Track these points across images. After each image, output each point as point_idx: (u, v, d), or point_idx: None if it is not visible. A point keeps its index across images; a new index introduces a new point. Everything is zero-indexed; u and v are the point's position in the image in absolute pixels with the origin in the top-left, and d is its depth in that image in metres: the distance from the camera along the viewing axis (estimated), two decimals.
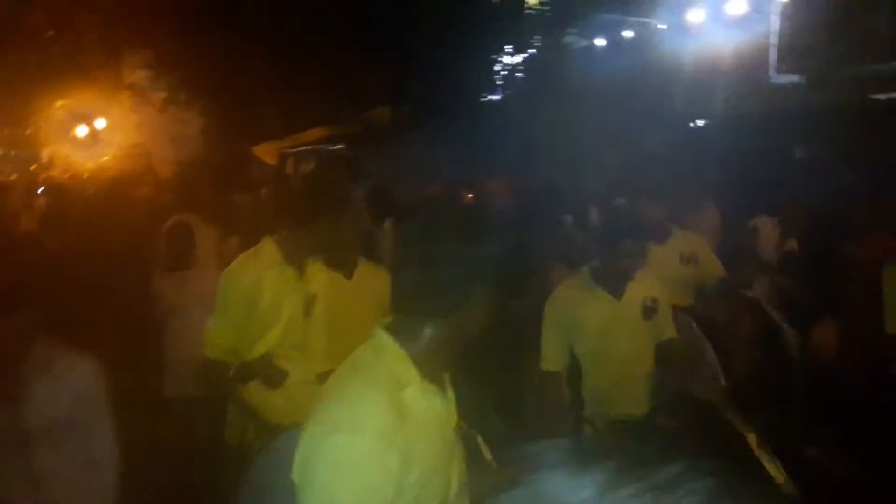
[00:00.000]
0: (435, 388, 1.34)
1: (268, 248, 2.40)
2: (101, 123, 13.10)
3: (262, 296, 2.34)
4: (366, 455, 1.22)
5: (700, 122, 8.69)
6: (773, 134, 7.26)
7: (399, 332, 1.34)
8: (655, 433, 2.63)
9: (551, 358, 2.90)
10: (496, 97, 9.64)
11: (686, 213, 4.83)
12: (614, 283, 2.91)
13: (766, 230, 5.08)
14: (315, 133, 10.06)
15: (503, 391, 3.14)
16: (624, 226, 2.94)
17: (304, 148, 9.29)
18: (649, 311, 2.94)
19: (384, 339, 1.34)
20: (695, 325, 3.63)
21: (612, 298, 2.91)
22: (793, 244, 4.91)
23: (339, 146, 9.70)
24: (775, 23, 10.53)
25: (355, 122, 9.93)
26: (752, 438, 2.39)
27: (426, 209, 3.74)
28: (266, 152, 9.18)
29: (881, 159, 5.58)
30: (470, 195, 5.60)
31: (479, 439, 2.25)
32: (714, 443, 2.46)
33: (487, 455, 2.00)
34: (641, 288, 2.95)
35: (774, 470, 2.31)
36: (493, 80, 9.38)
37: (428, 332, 1.33)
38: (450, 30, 8.24)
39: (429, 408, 1.31)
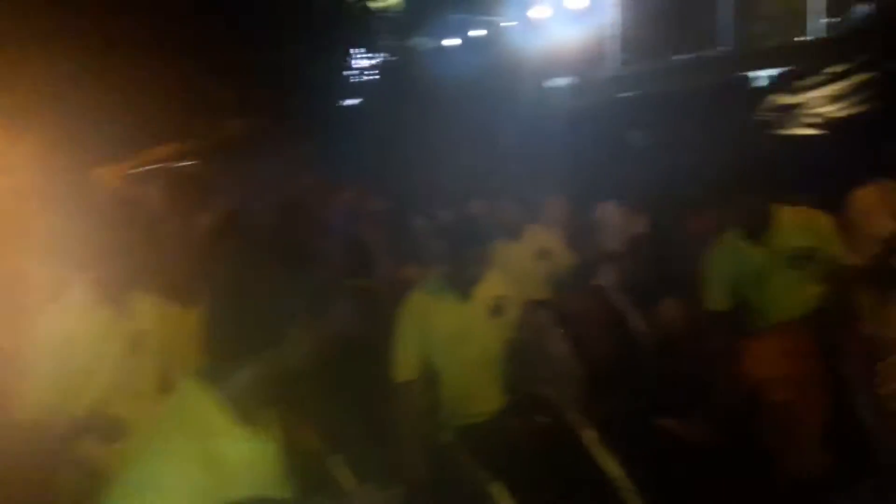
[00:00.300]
0: (252, 431, 1.29)
1: (78, 292, 2.26)
2: None
3: (77, 345, 2.19)
4: None
5: (550, 117, 9.01)
6: (618, 123, 7.63)
7: (209, 377, 1.27)
8: (503, 435, 2.69)
9: (404, 367, 2.89)
10: (352, 102, 9.59)
11: (538, 208, 5.01)
12: (462, 286, 2.95)
13: (613, 217, 5.33)
14: (164, 150, 9.62)
15: (362, 409, 3.13)
16: (468, 233, 2.98)
17: (152, 167, 8.88)
18: (498, 309, 3.00)
19: (191, 388, 1.27)
20: (546, 318, 3.76)
21: (461, 301, 2.95)
22: (638, 229, 5.19)
23: (190, 162, 9.34)
24: (616, 15, 11.10)
25: (207, 137, 9.60)
26: (588, 436, 2.47)
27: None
28: (109, 175, 8.66)
29: (714, 141, 6.00)
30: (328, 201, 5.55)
31: (339, 466, 2.22)
32: (554, 443, 2.54)
33: (348, 483, 1.98)
34: (489, 287, 3.01)
35: (611, 466, 2.41)
36: (348, 86, 9.31)
37: (241, 374, 1.27)
38: (300, 37, 8.11)
39: (243, 454, 1.26)
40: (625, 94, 8.50)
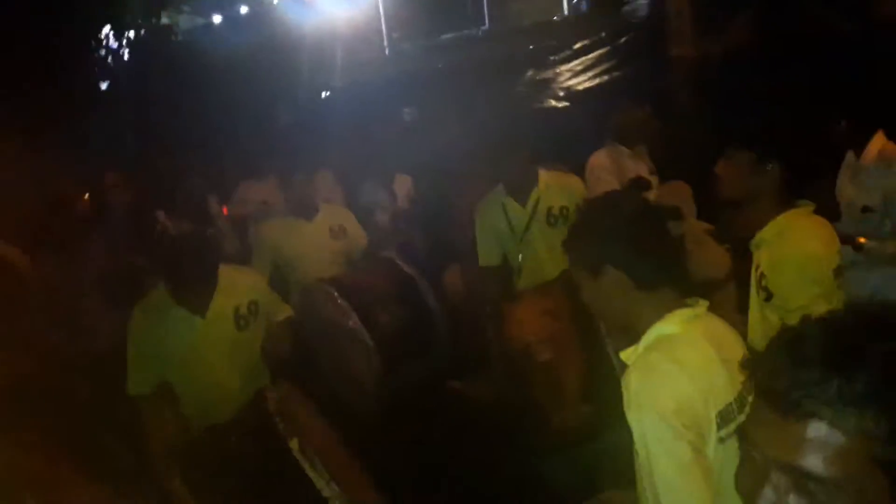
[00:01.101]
0: None
1: None
2: None
3: None
4: None
5: (325, 94, 8.94)
6: (391, 100, 7.79)
7: None
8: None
9: (135, 382, 2.64)
10: (105, 86, 8.81)
11: (327, 187, 4.98)
12: (194, 300, 2.66)
13: (401, 189, 5.43)
14: None
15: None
16: (191, 249, 2.63)
17: None
18: (244, 318, 2.74)
19: None
20: (337, 295, 3.76)
21: (195, 317, 2.66)
22: (412, 201, 5.36)
23: None
24: None
25: None
26: (293, 444, 2.44)
27: None
28: None
29: (480, 113, 6.33)
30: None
31: None
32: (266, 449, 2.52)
33: None
34: (233, 296, 2.73)
35: (314, 474, 2.41)
36: (104, 69, 8.52)
37: None
38: (44, 16, 7.25)
39: None
40: (396, 72, 8.66)
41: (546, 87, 7.07)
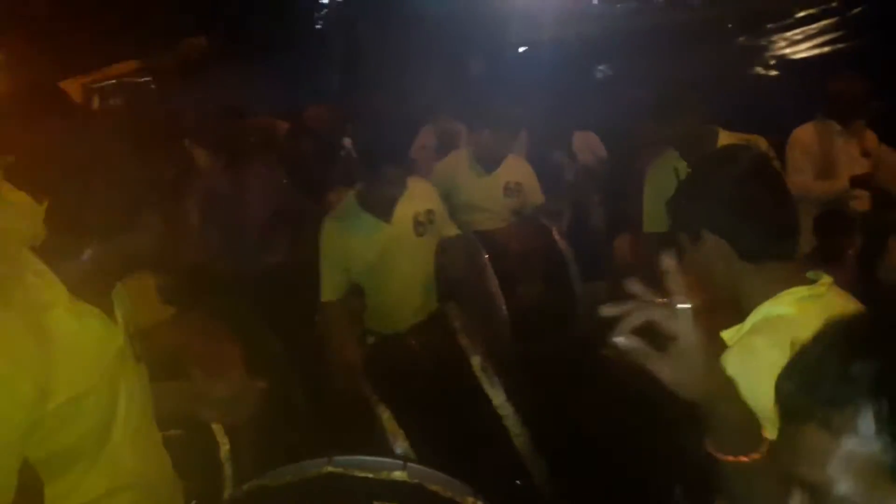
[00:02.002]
0: (93, 309, 1.27)
1: None
2: None
3: None
4: None
5: (524, 48, 8.86)
6: (591, 57, 7.58)
7: (49, 248, 1.26)
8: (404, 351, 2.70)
9: (328, 289, 2.93)
10: (318, 22, 9.32)
11: (511, 140, 4.93)
12: (380, 207, 2.92)
13: (582, 147, 5.27)
14: (123, 67, 9.34)
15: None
16: (382, 152, 2.91)
17: (111, 82, 8.65)
18: (422, 226, 2.99)
19: (26, 256, 1.25)
20: (483, 252, 3.73)
21: (381, 222, 2.92)
22: (596, 164, 5.18)
23: (148, 79, 9.09)
24: None
25: (168, 54, 9.30)
26: (475, 362, 2.50)
27: None
28: (70, 88, 8.39)
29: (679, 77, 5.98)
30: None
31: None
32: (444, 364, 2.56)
33: None
34: (412, 204, 2.98)
35: (493, 392, 2.44)
36: (315, 4, 9.04)
37: (84, 251, 1.26)
38: None
39: (82, 329, 1.24)
40: (600, 29, 8.38)
41: (757, 54, 6.52)
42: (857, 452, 0.66)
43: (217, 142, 4.05)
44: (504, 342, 3.59)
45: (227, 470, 1.92)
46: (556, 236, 4.08)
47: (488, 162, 4.02)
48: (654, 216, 3.37)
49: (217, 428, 1.94)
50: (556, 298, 3.91)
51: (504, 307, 3.56)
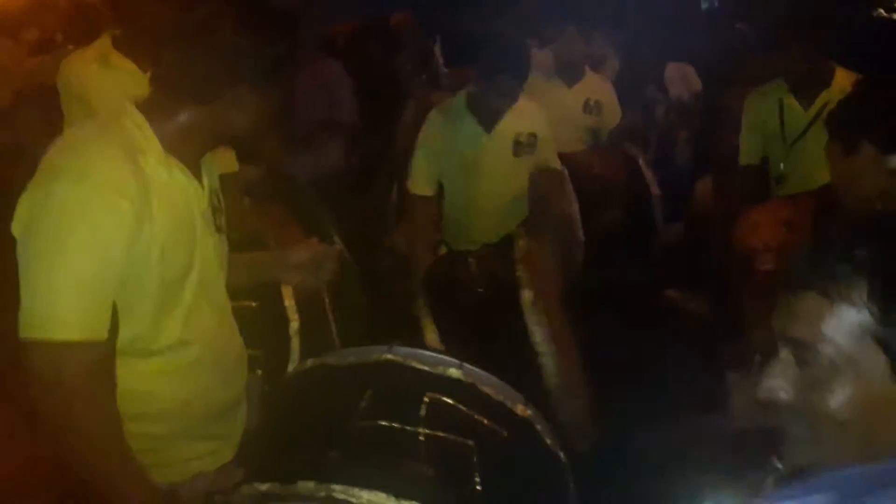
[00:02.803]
0: (182, 167, 1.32)
1: None
2: None
3: None
4: (94, 200, 1.18)
5: None
6: None
7: (149, 105, 1.31)
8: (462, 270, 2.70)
9: (419, 181, 2.96)
10: None
11: (600, 57, 4.74)
12: (486, 115, 2.89)
13: (674, 80, 5.04)
14: None
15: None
16: (502, 61, 2.86)
17: None
18: (521, 147, 2.96)
19: (127, 107, 1.30)
20: (560, 175, 3.68)
21: (483, 131, 2.90)
22: (689, 99, 4.95)
23: None
24: None
25: None
26: (526, 296, 2.47)
27: None
28: None
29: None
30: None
31: None
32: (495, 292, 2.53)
33: None
34: (517, 122, 2.94)
35: (535, 329, 2.41)
36: None
37: (181, 114, 1.31)
38: None
39: (171, 181, 1.30)
40: None
41: None
42: (847, 318, 0.78)
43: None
44: (576, 267, 3.58)
45: (294, 345, 2.01)
46: (643, 166, 3.98)
47: (569, 73, 3.85)
48: (751, 148, 3.21)
49: (289, 304, 2.02)
50: (635, 229, 3.84)
51: (581, 232, 3.53)
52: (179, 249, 1.32)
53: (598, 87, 4.06)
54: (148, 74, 2.41)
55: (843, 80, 2.96)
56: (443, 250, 3.10)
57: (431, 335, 2.49)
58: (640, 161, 4.03)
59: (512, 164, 2.97)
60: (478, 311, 2.71)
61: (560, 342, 2.57)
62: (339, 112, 3.97)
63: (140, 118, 1.28)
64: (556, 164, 3.17)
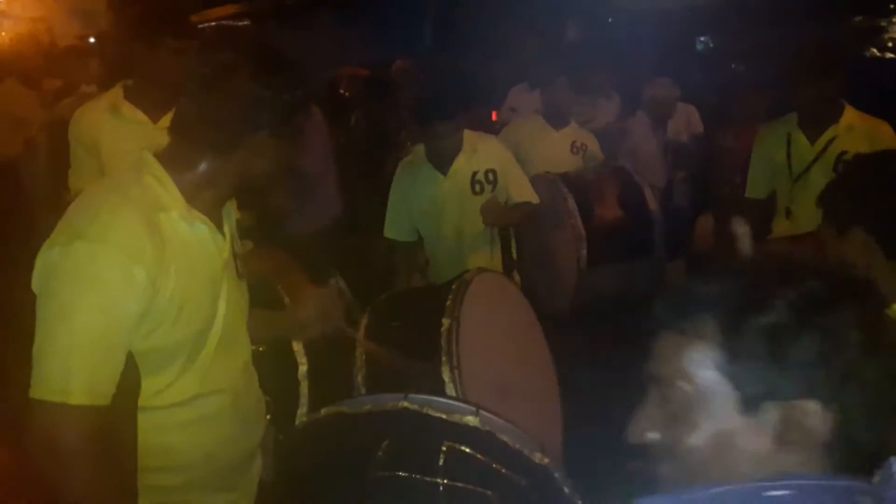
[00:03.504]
0: (204, 219, 1.33)
1: None
2: None
3: None
4: (108, 265, 1.19)
5: (619, 15, 8.59)
6: (688, 29, 7.27)
7: (169, 156, 1.32)
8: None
9: (390, 226, 3.15)
10: None
11: (590, 102, 4.83)
12: (439, 159, 3.03)
13: (676, 119, 5.10)
14: (224, 10, 9.56)
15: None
16: (432, 107, 2.99)
17: (211, 24, 8.87)
18: (480, 184, 3.05)
19: (148, 160, 1.31)
20: (561, 182, 3.72)
21: (439, 174, 3.04)
22: (690, 140, 5.00)
23: (247, 22, 9.29)
24: None
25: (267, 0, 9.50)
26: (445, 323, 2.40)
27: None
28: None
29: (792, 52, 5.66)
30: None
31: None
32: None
33: None
34: (472, 161, 3.04)
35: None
36: None
37: (202, 163, 1.32)
38: None
39: (194, 235, 1.31)
40: (701, 3, 8.03)
41: (874, 35, 6.13)
42: (701, 354, 0.81)
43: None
44: (578, 270, 3.62)
45: (304, 389, 2.00)
46: (630, 170, 4.04)
47: (556, 118, 4.00)
48: (757, 182, 3.22)
49: (297, 348, 2.02)
50: (633, 222, 3.86)
51: (581, 228, 3.60)
52: (200, 304, 1.33)
53: (583, 132, 4.15)
54: (158, 124, 2.47)
55: (851, 118, 2.99)
56: None
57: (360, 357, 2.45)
58: (634, 175, 4.07)
59: (473, 202, 3.03)
60: (403, 336, 2.63)
61: (485, 385, 2.43)
62: (305, 159, 3.97)
63: (161, 171, 1.30)
64: (529, 196, 3.20)
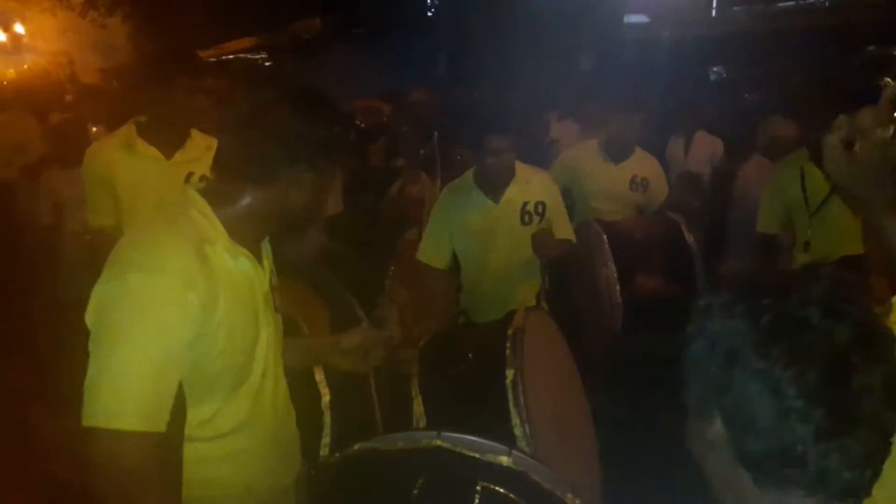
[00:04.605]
0: (246, 253, 1.36)
1: None
2: (20, 29, 12.38)
3: None
4: (163, 293, 1.22)
5: (636, 45, 8.68)
6: (705, 59, 7.33)
7: (212, 192, 1.36)
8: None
9: (426, 250, 3.08)
10: (430, 8, 9.38)
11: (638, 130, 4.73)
12: (490, 184, 2.99)
13: (698, 149, 5.05)
14: (241, 43, 9.72)
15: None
16: (486, 120, 2.99)
17: (228, 57, 9.01)
18: (529, 216, 3.02)
19: (192, 195, 1.34)
20: (605, 238, 3.61)
21: (490, 201, 3.00)
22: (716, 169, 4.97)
23: (263, 56, 9.42)
24: None
25: (283, 33, 9.62)
26: (509, 373, 2.35)
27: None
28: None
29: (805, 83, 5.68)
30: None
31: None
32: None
33: None
34: (524, 191, 3.02)
35: (513, 409, 2.26)
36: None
37: (243, 197, 1.35)
38: None
39: (236, 267, 1.33)
40: (718, 33, 8.10)
41: (888, 65, 6.14)
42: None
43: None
44: (610, 333, 3.52)
45: (327, 418, 1.99)
46: (684, 230, 3.90)
47: (617, 152, 3.85)
48: (769, 216, 3.22)
49: (320, 378, 2.02)
50: (676, 293, 3.75)
51: (618, 295, 3.47)
52: (245, 334, 1.35)
53: (645, 165, 3.91)
54: (172, 160, 2.51)
55: None
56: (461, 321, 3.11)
57: (418, 409, 2.40)
58: (683, 227, 3.94)
59: (522, 232, 3.00)
60: (462, 383, 2.57)
61: (547, 429, 2.41)
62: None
63: (206, 206, 1.33)
64: (568, 234, 3.18)
